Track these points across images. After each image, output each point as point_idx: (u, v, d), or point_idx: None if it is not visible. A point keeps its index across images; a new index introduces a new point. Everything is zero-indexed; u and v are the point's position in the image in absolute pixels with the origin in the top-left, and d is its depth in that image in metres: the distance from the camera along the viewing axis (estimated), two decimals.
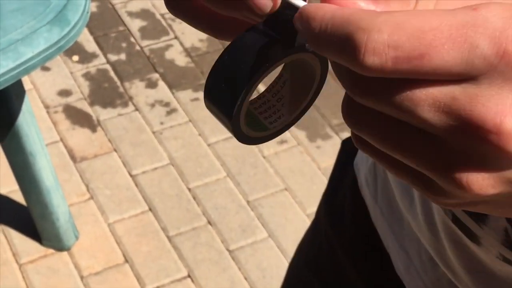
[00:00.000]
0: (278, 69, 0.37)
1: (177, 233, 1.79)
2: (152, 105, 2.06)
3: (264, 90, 0.39)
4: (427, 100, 0.30)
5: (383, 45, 0.29)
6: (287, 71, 0.38)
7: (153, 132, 1.99)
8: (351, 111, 0.32)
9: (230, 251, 1.76)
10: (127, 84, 2.11)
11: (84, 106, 2.05)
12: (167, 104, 2.06)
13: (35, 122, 1.51)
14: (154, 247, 1.76)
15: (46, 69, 2.12)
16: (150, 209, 1.83)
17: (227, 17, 0.37)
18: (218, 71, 0.34)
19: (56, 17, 1.18)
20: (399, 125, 0.31)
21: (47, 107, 2.04)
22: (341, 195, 0.72)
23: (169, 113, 2.04)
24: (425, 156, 0.31)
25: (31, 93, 2.05)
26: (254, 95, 0.36)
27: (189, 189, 1.87)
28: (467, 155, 0.30)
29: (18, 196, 1.75)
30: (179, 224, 1.80)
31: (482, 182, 0.31)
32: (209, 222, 1.81)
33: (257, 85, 0.34)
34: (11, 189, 1.81)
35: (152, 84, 2.11)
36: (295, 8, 0.33)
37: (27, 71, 1.16)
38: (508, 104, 0.29)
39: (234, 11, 0.35)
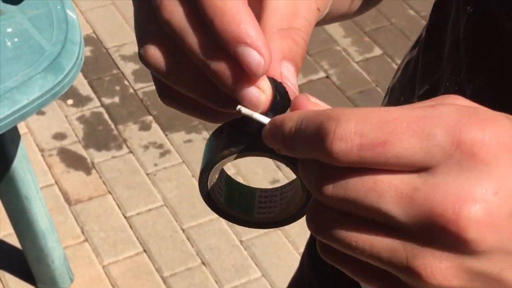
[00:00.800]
0: None
1: (172, 274, 1.80)
2: (146, 147, 2.09)
3: (282, 185, 0.41)
4: (389, 191, 0.31)
5: (349, 132, 0.31)
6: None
7: (147, 174, 2.01)
8: (314, 216, 0.34)
9: None
10: (121, 127, 2.14)
11: (79, 149, 2.08)
12: (160, 146, 2.09)
13: (30, 167, 1.54)
14: None
15: (41, 113, 2.15)
16: (144, 251, 1.85)
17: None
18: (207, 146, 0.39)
19: (50, 65, 1.21)
20: (362, 223, 0.32)
21: (42, 150, 2.07)
22: None
23: (162, 154, 2.06)
24: (388, 252, 0.32)
25: (26, 137, 2.08)
26: (276, 184, 0.39)
27: (183, 230, 1.89)
28: (428, 245, 0.31)
29: (13, 240, 1.77)
30: (173, 264, 1.82)
31: (445, 272, 0.31)
32: (203, 263, 1.82)
33: (218, 166, 0.38)
34: (7, 233, 1.82)
35: (145, 127, 2.14)
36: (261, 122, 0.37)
37: (22, 117, 1.19)
38: (464, 192, 0.31)
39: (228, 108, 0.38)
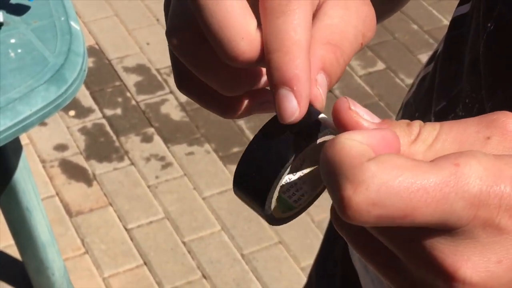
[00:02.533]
0: None
1: (172, 287, 1.79)
2: (148, 159, 2.08)
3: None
4: (406, 239, 0.32)
5: (367, 203, 0.30)
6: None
7: (148, 186, 2.01)
8: (340, 223, 0.35)
9: None
10: (122, 139, 2.13)
11: (80, 160, 2.07)
12: (162, 158, 2.08)
13: (31, 178, 1.53)
14: None
15: (43, 124, 2.14)
16: (145, 263, 1.84)
17: (236, 100, 0.39)
18: (247, 163, 0.36)
19: (53, 76, 1.21)
20: (379, 243, 0.34)
21: (43, 161, 2.06)
22: (332, 262, 0.73)
23: (164, 167, 2.06)
24: (393, 280, 0.33)
25: (27, 147, 2.07)
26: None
27: (184, 243, 1.88)
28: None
29: (13, 251, 1.76)
30: (174, 278, 1.81)
31: None
32: (204, 276, 1.81)
33: (286, 174, 0.36)
34: (7, 244, 1.81)
35: (147, 139, 2.14)
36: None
37: (25, 129, 1.19)
38: (466, 257, 0.31)
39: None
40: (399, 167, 0.30)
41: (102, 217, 1.94)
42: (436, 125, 0.33)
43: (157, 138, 2.14)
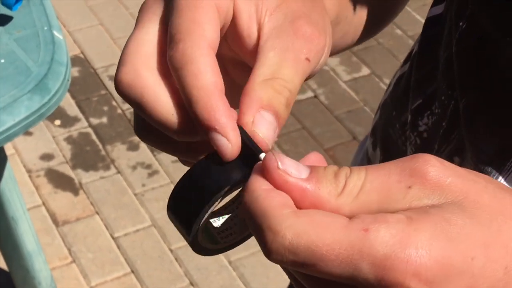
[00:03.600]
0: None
1: None
2: (134, 168, 2.08)
3: (220, 208, 0.42)
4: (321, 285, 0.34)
5: (283, 249, 0.33)
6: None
7: (135, 194, 2.01)
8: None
9: None
10: (109, 147, 2.13)
11: (66, 169, 2.07)
12: (148, 166, 2.08)
13: (17, 188, 1.53)
14: None
15: (28, 133, 2.14)
16: (132, 271, 1.84)
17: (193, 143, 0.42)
18: (179, 193, 0.38)
19: (36, 86, 1.21)
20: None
21: (29, 171, 2.06)
22: None
23: (150, 175, 2.06)
24: None
25: (13, 157, 2.07)
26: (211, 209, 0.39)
27: (171, 250, 1.88)
28: None
29: None
30: (161, 285, 1.81)
31: None
32: (191, 283, 1.82)
33: (214, 207, 0.38)
34: None
35: (133, 147, 2.14)
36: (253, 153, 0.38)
37: (8, 138, 1.19)
38: None
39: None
40: (314, 222, 0.33)
41: (89, 226, 1.94)
42: (362, 173, 0.35)
43: (143, 146, 2.14)
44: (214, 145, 0.38)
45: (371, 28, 0.57)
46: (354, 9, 0.52)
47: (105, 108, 2.25)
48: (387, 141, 0.62)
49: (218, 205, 0.39)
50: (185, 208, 0.38)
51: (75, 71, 2.35)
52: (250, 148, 0.38)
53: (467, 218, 0.33)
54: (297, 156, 2.13)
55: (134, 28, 0.41)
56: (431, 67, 0.57)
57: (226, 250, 0.41)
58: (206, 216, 0.38)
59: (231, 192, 0.38)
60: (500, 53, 0.49)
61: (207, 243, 0.40)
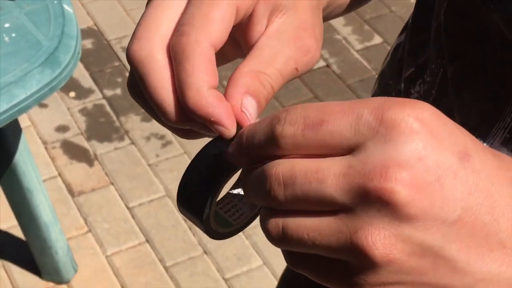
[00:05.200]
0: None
1: (174, 263, 1.82)
2: (148, 138, 2.10)
3: (227, 192, 0.44)
4: (329, 176, 0.34)
5: (297, 116, 0.36)
6: None
7: (149, 165, 2.03)
8: (269, 226, 0.37)
9: (226, 280, 1.79)
10: (122, 119, 2.16)
11: (81, 141, 2.10)
12: (162, 137, 2.10)
13: (32, 160, 1.56)
14: (152, 277, 1.80)
15: (43, 106, 2.17)
16: (147, 241, 1.87)
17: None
18: (186, 182, 0.41)
19: (47, 59, 1.23)
20: (311, 217, 0.35)
21: (45, 143, 2.09)
22: None
23: (164, 145, 2.08)
24: (334, 235, 0.35)
25: (29, 130, 2.10)
26: (219, 195, 0.41)
27: (185, 220, 1.91)
28: (366, 217, 0.34)
29: (17, 232, 1.79)
30: (175, 254, 1.84)
31: (384, 241, 0.33)
32: (205, 252, 1.84)
33: (221, 189, 0.40)
34: (11, 225, 1.85)
35: (147, 118, 2.16)
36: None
37: (20, 112, 1.21)
38: (390, 159, 0.33)
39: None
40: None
41: (104, 196, 1.96)
42: None
43: None
44: (215, 130, 0.40)
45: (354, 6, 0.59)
46: None
47: (119, 80, 2.27)
48: None
49: (224, 189, 0.41)
50: (193, 199, 0.40)
51: (88, 43, 2.37)
52: None
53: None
54: None
55: None
56: (424, 37, 0.58)
57: (240, 230, 0.43)
58: (212, 202, 0.40)
59: (232, 176, 0.40)
60: (484, 21, 0.50)
61: (221, 227, 0.42)
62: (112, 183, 1.99)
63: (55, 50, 1.25)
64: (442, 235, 0.34)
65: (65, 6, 1.32)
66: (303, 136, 0.35)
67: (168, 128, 0.44)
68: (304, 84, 2.23)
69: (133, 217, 1.92)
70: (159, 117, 0.43)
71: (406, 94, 0.59)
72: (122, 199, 1.96)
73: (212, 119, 0.40)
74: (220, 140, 0.40)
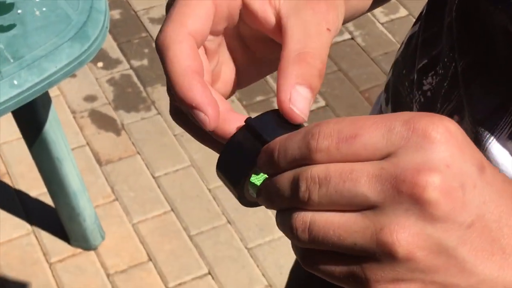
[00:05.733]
0: None
1: (198, 232, 1.87)
2: None
3: None
4: (363, 176, 0.37)
5: (331, 130, 0.38)
6: None
7: (175, 135, 2.07)
8: (292, 222, 0.39)
9: (248, 249, 1.84)
10: (149, 89, 2.19)
11: (109, 110, 2.14)
12: None
13: (61, 129, 1.60)
14: (176, 246, 1.84)
15: (72, 76, 2.21)
16: (172, 210, 1.91)
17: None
18: (229, 152, 0.44)
19: (76, 34, 1.26)
20: (339, 214, 0.38)
21: (73, 112, 2.13)
22: None
23: None
24: (360, 232, 0.37)
25: (58, 99, 2.14)
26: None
27: (209, 190, 1.95)
28: (394, 214, 0.36)
29: (47, 199, 1.85)
30: (199, 223, 1.88)
31: (409, 239, 0.36)
32: (229, 221, 1.89)
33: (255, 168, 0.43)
34: (41, 192, 1.90)
35: None
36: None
37: (50, 85, 1.25)
38: (422, 163, 0.36)
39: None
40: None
41: (131, 166, 2.01)
42: None
43: None
44: (195, 120, 0.43)
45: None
46: None
47: (146, 50, 2.30)
48: (397, 98, 0.66)
49: None
50: (232, 169, 0.43)
51: (116, 14, 2.40)
52: (284, 119, 0.43)
53: None
54: (334, 98, 2.17)
55: None
56: (437, 29, 0.60)
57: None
58: (250, 174, 0.43)
59: None
60: (491, 20, 0.52)
61: (253, 197, 0.45)
62: (138, 153, 2.03)
63: (84, 24, 1.28)
64: (458, 237, 0.37)
65: None
66: (337, 150, 0.38)
67: (209, 146, 0.47)
68: (328, 56, 2.25)
69: (158, 186, 1.96)
70: (203, 139, 0.46)
71: (419, 84, 0.61)
72: (148, 169, 2.00)
73: (193, 104, 0.42)
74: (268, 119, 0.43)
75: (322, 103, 2.16)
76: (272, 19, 0.45)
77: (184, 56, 0.42)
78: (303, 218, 0.39)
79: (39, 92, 1.24)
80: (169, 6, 0.46)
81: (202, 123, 0.42)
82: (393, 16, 2.40)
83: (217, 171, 0.44)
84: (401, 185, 0.36)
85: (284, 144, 0.40)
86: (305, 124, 0.43)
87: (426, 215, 0.36)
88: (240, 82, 0.49)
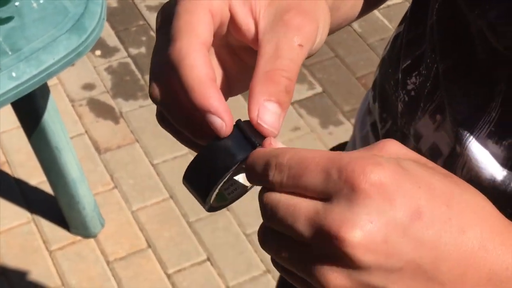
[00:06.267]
0: None
1: (197, 219, 1.89)
2: None
3: (230, 175, 0.49)
4: (301, 216, 0.41)
5: (283, 166, 0.42)
6: None
7: None
8: (263, 238, 0.44)
9: (246, 235, 1.86)
10: (147, 77, 2.20)
11: (107, 99, 2.15)
12: None
13: (59, 119, 1.62)
14: (175, 232, 1.87)
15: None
16: (171, 197, 1.93)
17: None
18: (199, 163, 0.46)
19: (74, 26, 1.28)
20: (287, 239, 0.42)
21: (72, 101, 2.14)
22: None
23: None
24: (301, 261, 0.42)
25: (56, 88, 2.16)
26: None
27: None
28: (324, 258, 0.40)
29: (46, 187, 1.86)
30: (198, 210, 1.90)
31: (336, 281, 0.40)
32: (227, 208, 1.90)
33: (226, 178, 0.46)
34: (40, 180, 1.92)
35: None
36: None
37: (49, 76, 1.26)
38: (348, 218, 0.39)
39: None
40: (303, 149, 0.42)
41: (130, 153, 2.03)
42: None
43: None
44: (210, 125, 0.45)
45: (369, 8, 0.63)
46: None
47: (144, 38, 2.31)
48: (384, 96, 0.67)
49: None
50: (200, 182, 0.46)
51: (113, 2, 2.40)
52: (248, 137, 0.46)
53: (416, 165, 0.42)
54: (331, 84, 2.18)
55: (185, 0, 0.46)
56: (421, 30, 0.62)
57: (232, 203, 0.49)
58: (218, 187, 0.46)
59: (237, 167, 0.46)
60: (471, 24, 0.54)
61: (217, 202, 0.48)
62: (137, 141, 2.05)
63: (81, 16, 1.29)
64: (386, 278, 0.40)
65: None
66: (287, 183, 0.42)
67: (189, 146, 0.50)
68: (325, 42, 2.26)
69: (157, 173, 1.98)
70: (186, 140, 0.49)
71: (403, 85, 0.63)
72: (147, 156, 2.02)
73: (212, 110, 0.44)
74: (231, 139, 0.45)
75: (319, 89, 2.17)
76: (253, 32, 0.47)
77: (201, 64, 0.44)
78: (266, 238, 0.44)
79: (38, 84, 1.25)
80: (167, 11, 0.48)
81: (217, 128, 0.45)
82: (389, 2, 2.41)
83: (185, 180, 0.47)
84: (327, 236, 0.40)
85: (252, 161, 0.44)
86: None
87: (351, 265, 0.40)
88: (232, 89, 0.51)
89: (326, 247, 0.40)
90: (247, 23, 0.47)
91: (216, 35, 0.48)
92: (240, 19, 0.47)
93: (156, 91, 0.48)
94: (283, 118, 0.46)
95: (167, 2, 0.49)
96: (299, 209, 0.41)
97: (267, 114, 0.45)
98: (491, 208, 0.42)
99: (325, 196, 0.41)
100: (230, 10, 0.47)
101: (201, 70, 0.44)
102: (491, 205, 0.42)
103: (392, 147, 0.42)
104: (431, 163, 0.43)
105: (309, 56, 0.48)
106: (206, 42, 0.45)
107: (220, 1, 0.46)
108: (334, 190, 0.40)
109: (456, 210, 0.41)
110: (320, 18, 0.48)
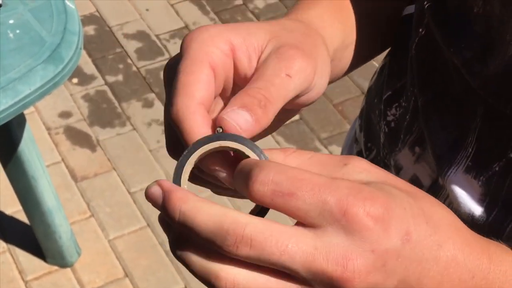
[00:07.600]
0: None
1: None
2: (149, 124, 2.15)
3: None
4: (298, 253, 0.40)
5: (268, 179, 0.40)
6: None
7: (150, 151, 2.08)
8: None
9: None
10: (124, 105, 2.20)
11: (84, 126, 2.14)
12: (163, 123, 2.15)
13: (36, 148, 1.61)
14: (153, 261, 1.86)
15: None
16: (148, 225, 1.92)
17: None
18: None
19: (50, 56, 1.28)
20: (276, 273, 0.41)
21: (48, 129, 2.14)
22: None
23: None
24: None
25: (33, 115, 2.15)
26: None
27: None
28: None
29: (22, 216, 1.85)
30: None
31: None
32: None
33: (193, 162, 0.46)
34: (16, 210, 1.90)
35: (148, 104, 2.21)
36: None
37: (25, 106, 1.26)
38: (349, 251, 0.39)
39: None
40: (292, 167, 0.41)
41: (107, 181, 2.02)
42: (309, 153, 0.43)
43: (157, 103, 2.20)
44: (215, 175, 0.45)
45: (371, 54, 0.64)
46: (357, 34, 0.59)
47: (121, 66, 2.31)
48: (369, 126, 0.68)
49: None
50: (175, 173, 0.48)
51: (90, 30, 2.41)
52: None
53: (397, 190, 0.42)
54: (308, 111, 2.19)
55: (186, 58, 0.47)
56: (403, 63, 0.63)
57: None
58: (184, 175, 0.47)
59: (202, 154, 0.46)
60: (448, 61, 0.55)
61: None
62: (114, 169, 2.04)
63: (58, 46, 1.29)
64: None
65: (67, 2, 1.36)
66: (272, 200, 0.40)
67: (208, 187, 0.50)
68: None
69: (134, 202, 1.97)
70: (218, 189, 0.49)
71: (384, 116, 0.63)
72: (124, 184, 2.01)
73: (212, 168, 0.45)
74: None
75: (296, 116, 2.18)
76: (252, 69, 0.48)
77: (198, 125, 0.45)
78: (230, 273, 0.41)
79: (14, 114, 1.25)
80: (170, 68, 0.48)
81: (222, 180, 0.45)
82: None
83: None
84: (332, 273, 0.39)
85: (237, 171, 0.43)
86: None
87: None
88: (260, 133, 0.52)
89: (326, 284, 0.40)
90: (251, 69, 0.48)
91: (225, 86, 0.48)
92: (244, 66, 0.48)
93: (170, 147, 0.49)
94: (256, 130, 0.45)
95: (171, 58, 0.49)
96: (293, 249, 0.40)
97: (237, 114, 0.44)
98: (457, 220, 0.44)
99: (317, 225, 0.40)
100: (234, 59, 0.47)
101: (199, 131, 0.45)
102: (455, 216, 0.44)
103: (362, 163, 0.43)
104: (393, 180, 0.43)
105: (308, 103, 0.48)
106: (204, 101, 0.46)
107: (220, 52, 0.46)
108: (330, 219, 0.40)
109: (433, 226, 0.42)
110: (318, 59, 0.48)
